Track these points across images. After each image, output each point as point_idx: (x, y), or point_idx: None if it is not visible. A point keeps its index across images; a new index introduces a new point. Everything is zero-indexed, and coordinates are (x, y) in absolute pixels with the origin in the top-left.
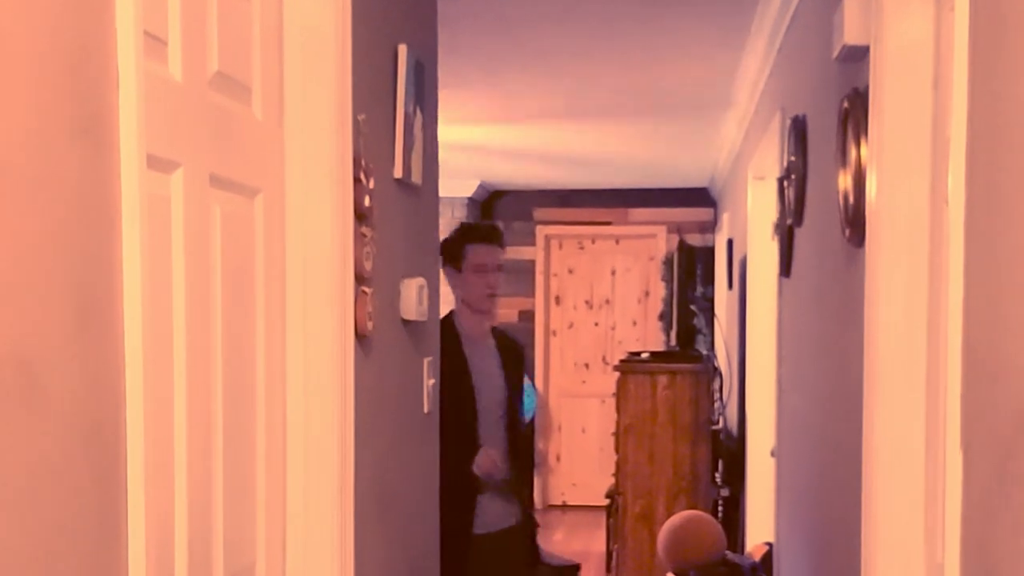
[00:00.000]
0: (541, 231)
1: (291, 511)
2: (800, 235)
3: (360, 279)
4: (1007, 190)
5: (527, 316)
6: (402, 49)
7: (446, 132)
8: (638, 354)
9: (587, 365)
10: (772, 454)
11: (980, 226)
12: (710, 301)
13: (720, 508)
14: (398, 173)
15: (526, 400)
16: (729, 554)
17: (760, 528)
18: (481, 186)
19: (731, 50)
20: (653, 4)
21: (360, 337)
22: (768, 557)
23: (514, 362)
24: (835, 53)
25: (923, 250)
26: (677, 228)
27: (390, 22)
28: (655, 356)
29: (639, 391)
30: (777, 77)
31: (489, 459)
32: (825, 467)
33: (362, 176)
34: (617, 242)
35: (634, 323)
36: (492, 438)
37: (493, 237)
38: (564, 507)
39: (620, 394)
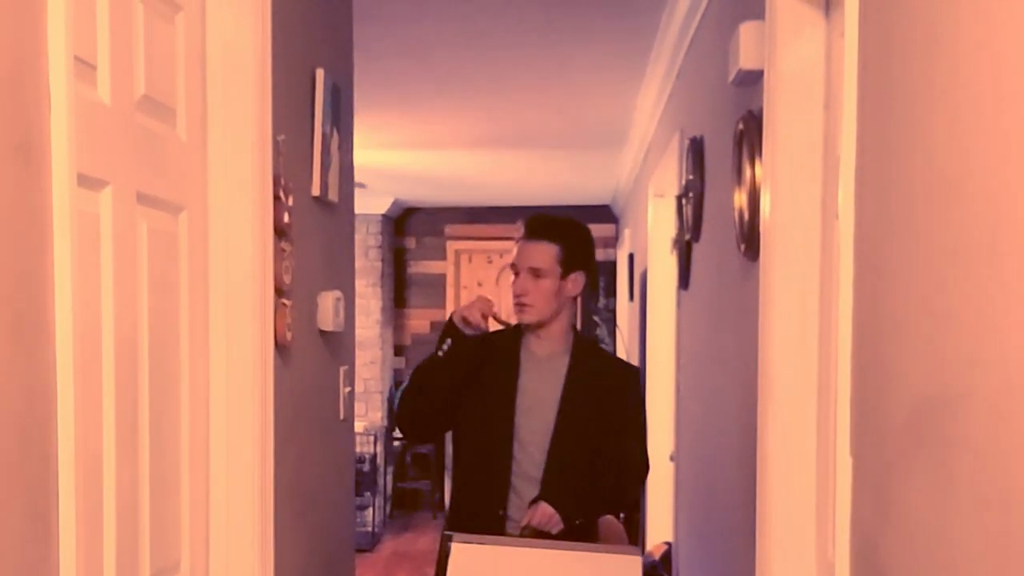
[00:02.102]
0: (451, 246)
1: (214, 511)
2: (698, 250)
3: (280, 292)
4: (893, 206)
5: (438, 327)
6: (319, 73)
7: (363, 156)
8: None
9: None
10: (671, 458)
11: (868, 240)
12: (612, 312)
13: None
14: (316, 191)
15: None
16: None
17: (659, 528)
18: (395, 203)
19: (632, 75)
20: (558, 29)
21: (279, 347)
22: (667, 556)
23: (594, 392)
24: (731, 77)
25: (815, 263)
26: None
27: (308, 47)
28: None
29: None
30: (676, 100)
31: (543, 515)
32: (721, 470)
33: (281, 194)
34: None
35: None
36: (525, 477)
37: (532, 231)
38: None
39: None
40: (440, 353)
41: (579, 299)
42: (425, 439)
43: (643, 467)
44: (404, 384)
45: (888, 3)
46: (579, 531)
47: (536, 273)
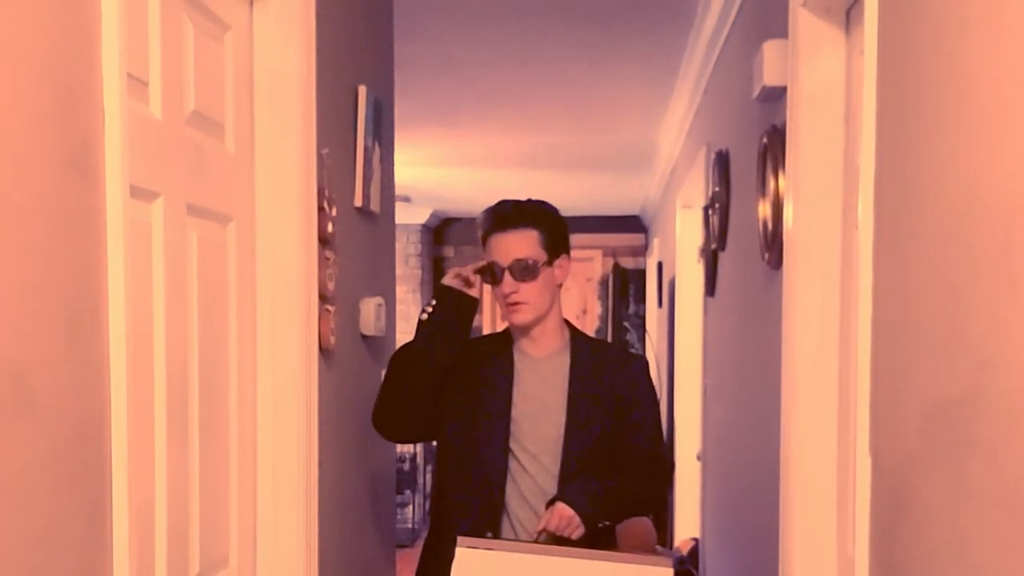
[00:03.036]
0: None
1: (261, 508)
2: (723, 258)
3: (323, 298)
4: (910, 216)
5: (475, 330)
6: (362, 89)
7: (403, 173)
8: None
9: None
10: (698, 458)
11: (887, 249)
12: (642, 318)
13: None
14: (358, 202)
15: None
16: (659, 548)
17: (687, 525)
18: (434, 214)
19: (661, 91)
20: (590, 50)
21: (323, 351)
22: (695, 551)
23: (603, 389)
24: (755, 93)
25: (835, 272)
26: (612, 252)
27: (351, 65)
28: None
29: None
30: (703, 115)
31: (561, 518)
32: (746, 469)
33: (325, 205)
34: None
35: None
36: (531, 488)
37: (504, 221)
38: None
39: None
40: (424, 316)
41: (611, 303)
42: (402, 438)
43: (669, 465)
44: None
45: (906, 22)
46: (602, 536)
47: (523, 266)
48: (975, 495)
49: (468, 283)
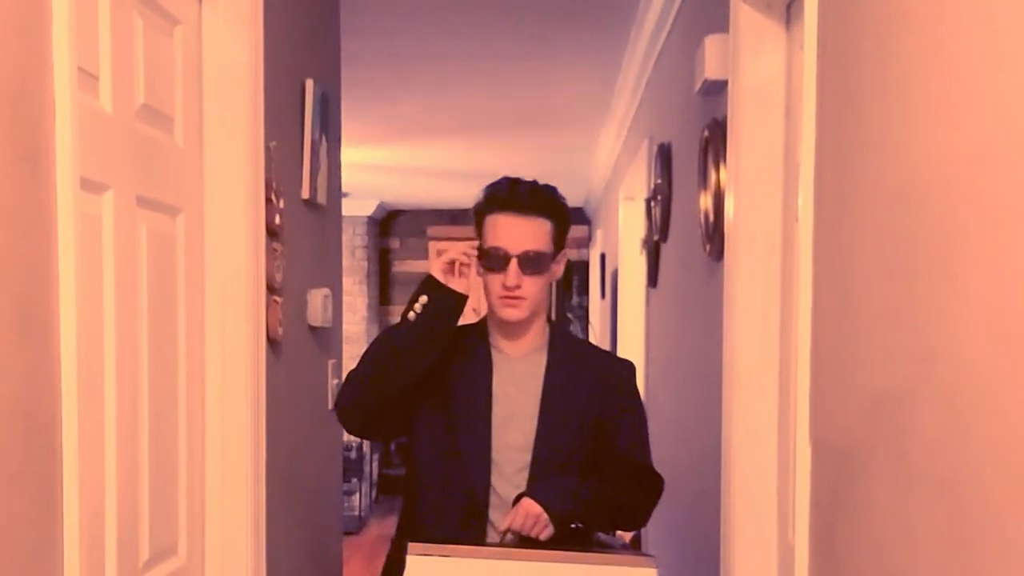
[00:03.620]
0: (433, 246)
1: (209, 497)
2: (665, 250)
3: (271, 289)
4: (850, 209)
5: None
6: (309, 83)
7: (347, 153)
8: None
9: None
10: None
11: (827, 241)
12: (585, 309)
13: None
14: (305, 194)
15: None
16: (601, 535)
17: None
18: (380, 206)
19: (604, 84)
20: (533, 44)
21: (271, 341)
22: (637, 539)
23: (580, 394)
24: (697, 87)
25: (776, 263)
26: None
27: (298, 59)
28: None
29: None
30: (645, 108)
31: (527, 514)
32: (688, 458)
33: (273, 197)
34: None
35: None
36: (502, 492)
37: (518, 203)
38: None
39: None
40: (412, 315)
41: (554, 294)
42: (371, 435)
43: (659, 480)
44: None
45: (845, 18)
46: (576, 540)
47: (534, 258)
48: (916, 484)
49: (458, 271)
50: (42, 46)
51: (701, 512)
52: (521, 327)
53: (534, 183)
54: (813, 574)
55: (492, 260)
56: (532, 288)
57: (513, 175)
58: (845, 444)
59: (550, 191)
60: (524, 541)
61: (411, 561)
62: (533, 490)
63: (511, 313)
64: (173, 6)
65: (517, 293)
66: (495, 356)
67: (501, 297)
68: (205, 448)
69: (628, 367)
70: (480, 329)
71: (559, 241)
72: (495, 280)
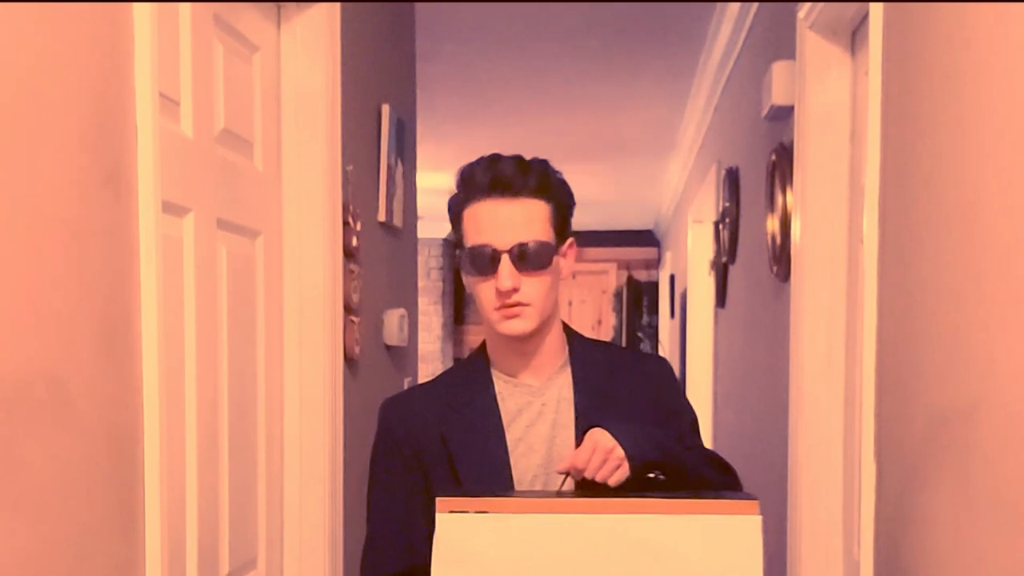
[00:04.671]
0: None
1: (288, 512)
2: (733, 271)
3: (348, 309)
4: (914, 231)
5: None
6: (385, 108)
7: (422, 177)
8: None
9: None
10: None
11: (891, 263)
12: (655, 329)
13: None
14: (381, 217)
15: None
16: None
17: None
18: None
19: (674, 109)
20: (606, 69)
21: (348, 360)
22: None
23: (620, 403)
24: (764, 112)
25: (841, 284)
26: (626, 265)
27: (374, 84)
28: None
29: None
30: (713, 133)
31: (595, 450)
32: (754, 476)
33: (350, 219)
34: (573, 277)
35: None
36: None
37: (502, 184)
38: None
39: None
40: None
41: (625, 315)
42: None
43: (728, 463)
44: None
45: (909, 44)
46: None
47: (531, 251)
48: (977, 500)
49: None
50: (125, 72)
51: (767, 527)
52: (532, 343)
53: (518, 157)
54: None
55: (478, 261)
56: (535, 291)
57: (583, 198)
58: (909, 460)
59: (541, 164)
60: (588, 490)
61: (442, 520)
62: (607, 426)
63: (514, 326)
64: (252, 33)
65: (516, 299)
66: (509, 392)
67: (497, 308)
68: (283, 464)
69: (664, 364)
70: (480, 363)
71: (562, 227)
72: (486, 287)
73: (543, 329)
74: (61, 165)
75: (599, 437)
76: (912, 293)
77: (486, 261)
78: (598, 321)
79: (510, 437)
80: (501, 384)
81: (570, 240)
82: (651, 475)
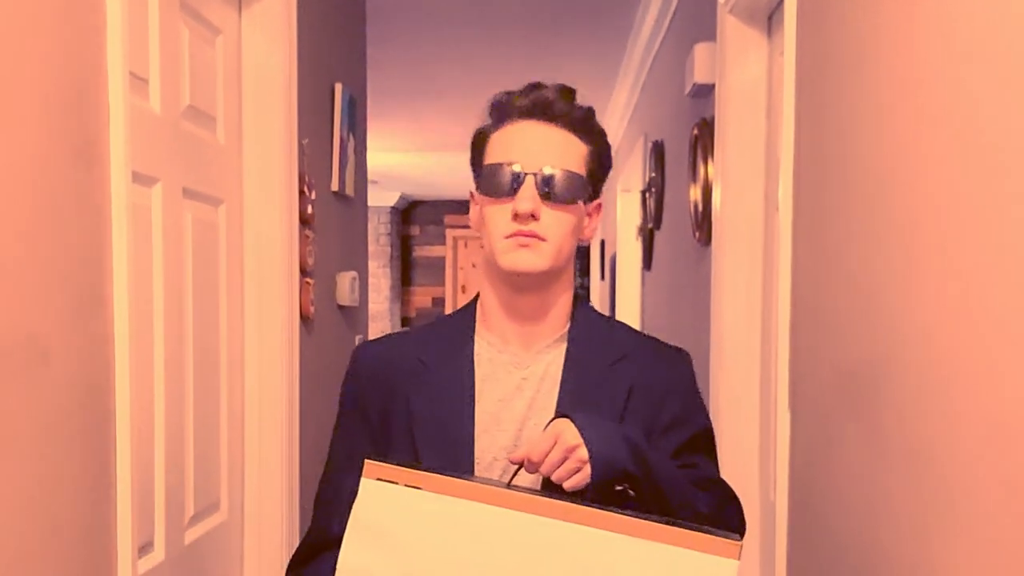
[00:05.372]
0: (450, 233)
1: (248, 459)
2: (659, 236)
3: (304, 272)
4: (826, 199)
5: (439, 302)
6: (338, 86)
7: (374, 158)
8: None
9: None
10: None
11: (804, 228)
12: (586, 290)
13: None
14: (335, 187)
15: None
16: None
17: None
18: (402, 197)
19: (603, 87)
20: (539, 49)
21: (304, 319)
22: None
23: (616, 397)
24: (687, 90)
25: (759, 248)
26: None
27: (328, 65)
28: None
29: None
30: (640, 109)
31: (554, 441)
32: None
33: (305, 189)
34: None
35: None
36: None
37: (543, 107)
38: None
39: None
40: None
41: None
42: None
43: (737, 500)
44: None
45: (821, 27)
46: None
47: (560, 181)
48: (889, 448)
49: None
50: (98, 53)
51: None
52: (532, 299)
53: (564, 85)
54: (792, 530)
55: (497, 180)
56: (555, 227)
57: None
58: (821, 410)
59: (589, 107)
60: (547, 488)
61: (366, 487)
62: (573, 416)
63: (523, 259)
64: (216, 17)
65: (533, 229)
66: (490, 359)
67: (509, 236)
68: (244, 415)
69: (681, 360)
70: (465, 317)
71: (594, 179)
72: (500, 211)
73: (550, 285)
74: (39, 140)
75: (563, 429)
76: (824, 256)
77: (507, 181)
78: None
79: (479, 409)
80: (483, 346)
81: (598, 201)
82: (618, 487)
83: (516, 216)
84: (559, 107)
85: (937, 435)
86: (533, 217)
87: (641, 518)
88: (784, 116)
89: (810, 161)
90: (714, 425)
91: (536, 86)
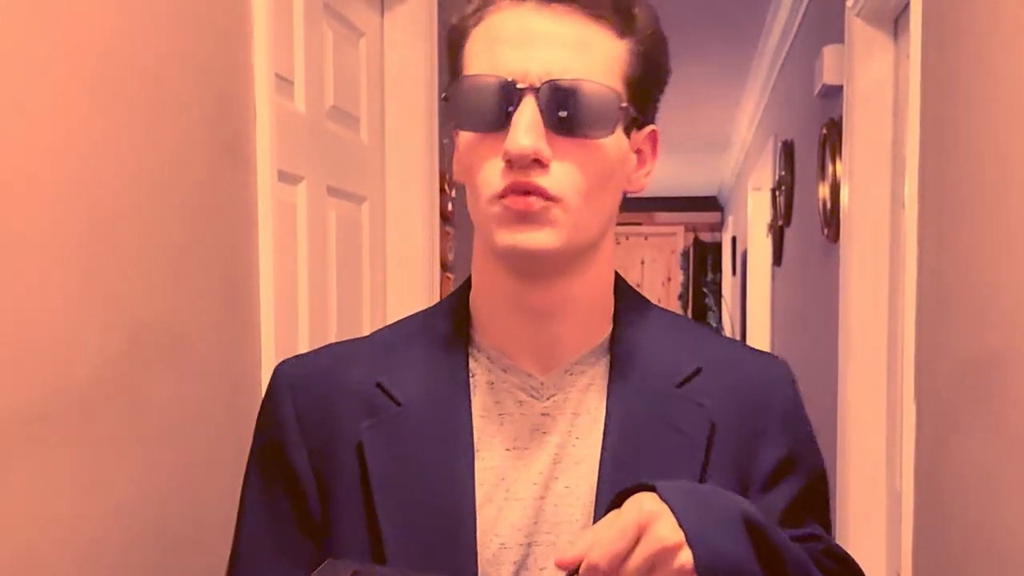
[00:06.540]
0: None
1: None
2: (788, 233)
3: (444, 267)
4: (950, 197)
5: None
6: None
7: None
8: None
9: None
10: None
11: (930, 225)
12: (718, 285)
13: None
14: None
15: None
16: None
17: None
18: None
19: (734, 88)
20: (676, 51)
21: None
22: None
23: (695, 434)
24: (816, 90)
25: (885, 244)
26: (693, 228)
27: None
28: None
29: None
30: (770, 110)
31: (636, 528)
32: (809, 415)
33: (446, 186)
34: (646, 238)
35: (658, 302)
36: None
37: None
38: None
39: None
40: None
41: (691, 272)
42: None
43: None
44: None
45: (946, 30)
46: None
47: (572, 99)
48: (1006, 437)
49: None
50: (245, 55)
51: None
52: (549, 292)
53: None
54: (918, 517)
55: (476, 105)
56: (573, 176)
57: (655, 172)
58: (945, 402)
59: None
60: None
61: None
62: (665, 491)
63: (524, 235)
64: (359, 19)
65: (537, 180)
66: (480, 374)
67: (500, 195)
68: None
69: (779, 370)
70: (446, 320)
71: (641, 90)
72: (486, 154)
73: (576, 268)
74: (190, 139)
75: (651, 512)
76: (948, 252)
77: (492, 104)
78: (667, 278)
79: (480, 467)
80: (480, 363)
81: (652, 128)
82: None
83: (510, 161)
84: None
85: None
86: (538, 163)
87: None
88: (910, 116)
89: (935, 160)
90: (842, 415)
91: None
